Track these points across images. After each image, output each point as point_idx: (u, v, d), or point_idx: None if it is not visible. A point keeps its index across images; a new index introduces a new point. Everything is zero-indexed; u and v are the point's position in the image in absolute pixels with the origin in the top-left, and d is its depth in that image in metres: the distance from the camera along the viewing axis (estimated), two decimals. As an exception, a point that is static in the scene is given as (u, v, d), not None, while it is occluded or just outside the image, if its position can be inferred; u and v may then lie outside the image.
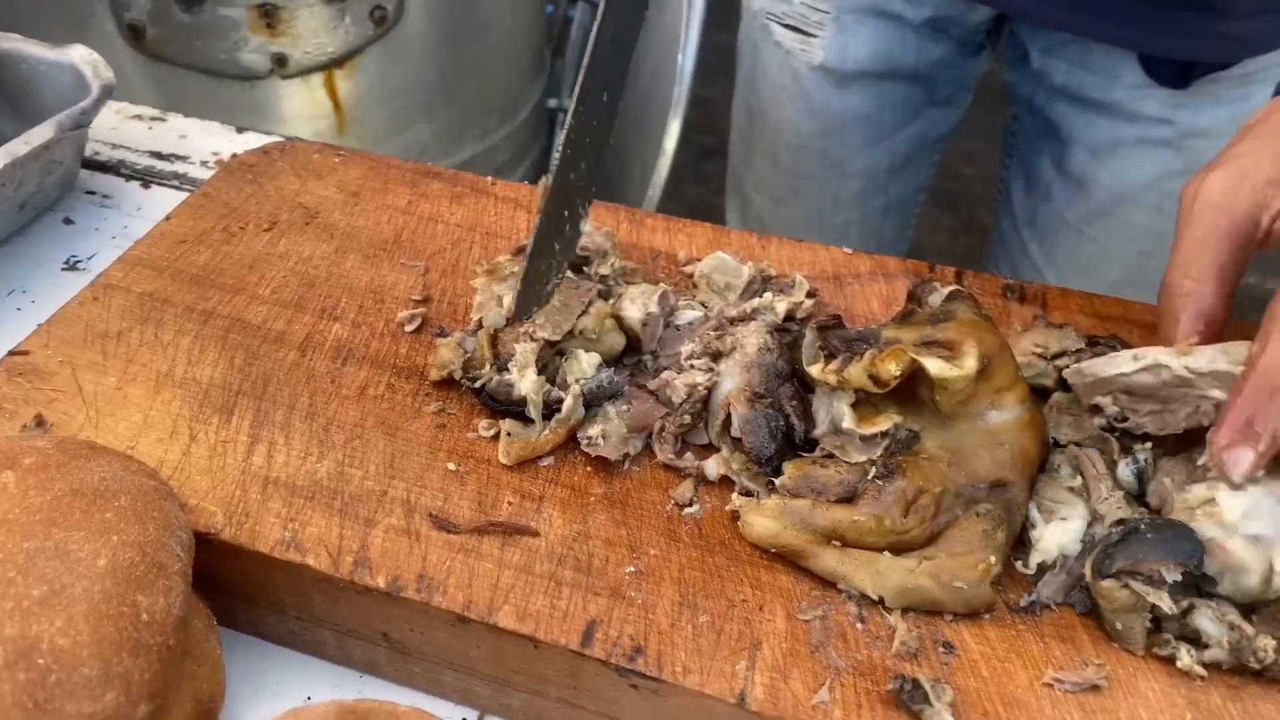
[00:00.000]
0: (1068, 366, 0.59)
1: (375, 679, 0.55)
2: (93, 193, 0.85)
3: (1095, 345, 0.61)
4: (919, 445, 0.54)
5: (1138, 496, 0.55)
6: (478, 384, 0.58)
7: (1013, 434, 0.54)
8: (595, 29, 0.55)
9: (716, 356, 0.59)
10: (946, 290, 0.59)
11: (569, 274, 0.63)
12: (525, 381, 0.57)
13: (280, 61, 1.21)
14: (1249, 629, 0.48)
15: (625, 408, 0.58)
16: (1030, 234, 1.02)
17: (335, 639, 0.54)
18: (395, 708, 0.42)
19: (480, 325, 0.60)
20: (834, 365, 0.54)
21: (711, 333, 0.60)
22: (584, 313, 0.60)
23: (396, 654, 0.53)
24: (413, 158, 0.77)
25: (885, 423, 0.54)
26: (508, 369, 0.58)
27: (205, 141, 0.91)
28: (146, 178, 0.87)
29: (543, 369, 0.59)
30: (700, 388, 0.58)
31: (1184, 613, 0.49)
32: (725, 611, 0.50)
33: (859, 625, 0.50)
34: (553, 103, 1.90)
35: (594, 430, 0.56)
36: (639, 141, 1.60)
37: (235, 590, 0.54)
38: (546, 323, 0.59)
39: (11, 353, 0.61)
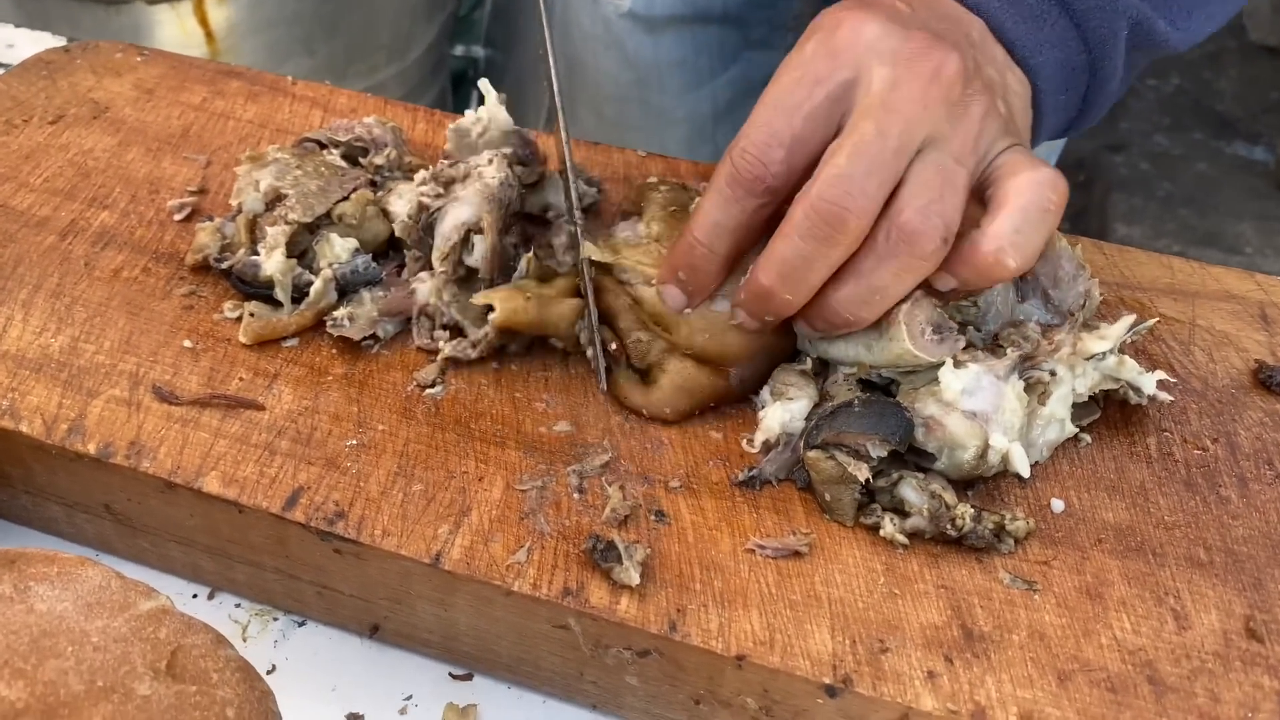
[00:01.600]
0: None
1: (109, 556, 0.54)
2: (-93, 97, 0.83)
3: None
4: (633, 290, 0.56)
5: (880, 384, 0.54)
6: (225, 265, 0.57)
7: (721, 327, 0.54)
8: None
9: (448, 183, 0.59)
10: None
11: (339, 161, 0.63)
12: (271, 262, 0.56)
13: (144, -15, 1.19)
14: (950, 498, 0.49)
15: (382, 294, 0.57)
16: None
17: (65, 513, 0.54)
18: (55, 554, 0.42)
19: (240, 211, 0.59)
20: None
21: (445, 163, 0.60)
22: (345, 199, 0.59)
23: (123, 527, 0.53)
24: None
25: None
26: (258, 251, 0.57)
27: (32, 49, 0.89)
28: (-36, 83, 0.85)
29: (302, 254, 0.58)
30: (428, 210, 0.58)
31: (893, 485, 0.49)
32: (442, 482, 0.50)
33: (576, 495, 0.50)
34: (460, 50, 1.88)
35: (340, 312, 0.56)
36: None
37: (-39, 464, 0.53)
38: (298, 205, 0.58)
39: None
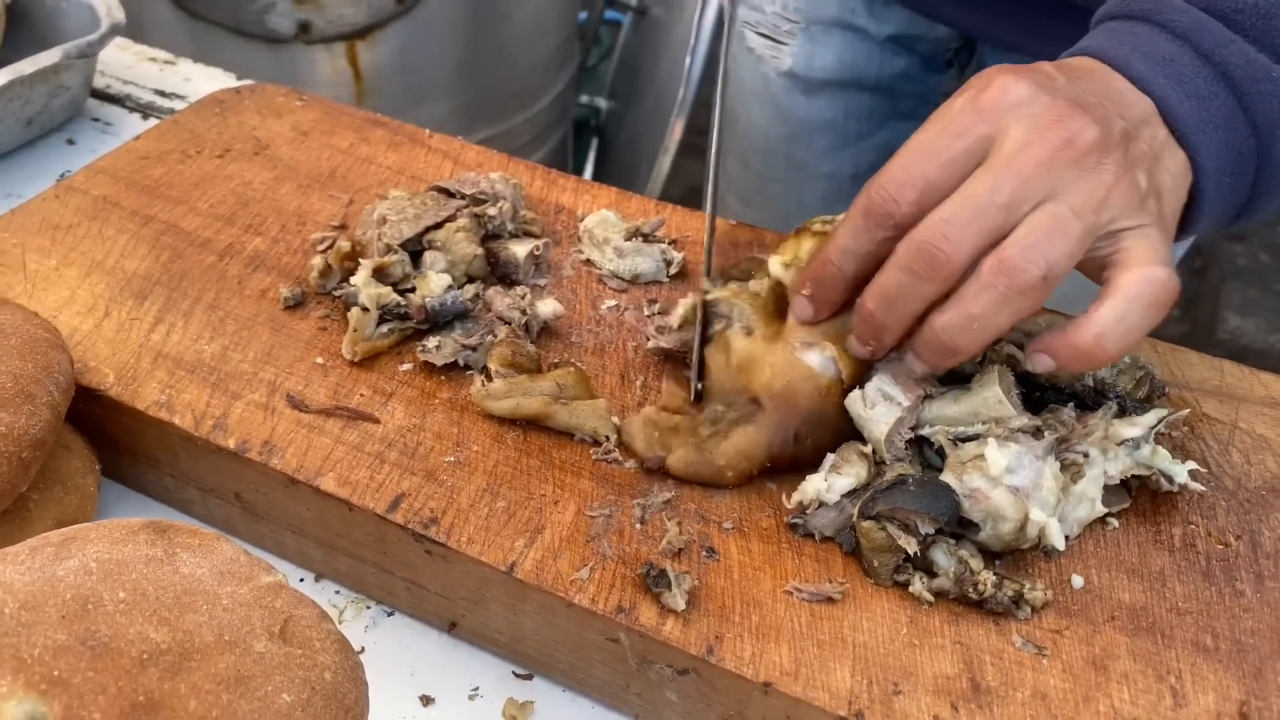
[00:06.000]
0: None
1: (233, 537, 0.63)
2: (98, 120, 0.95)
3: None
4: (728, 335, 0.61)
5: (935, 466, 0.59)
6: (330, 290, 0.67)
7: (801, 378, 0.59)
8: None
9: None
10: None
11: (434, 194, 0.71)
12: (362, 290, 0.64)
13: (305, 27, 1.31)
14: (975, 564, 0.53)
15: (470, 325, 0.65)
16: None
17: (200, 497, 0.62)
18: (196, 529, 0.49)
19: (333, 245, 0.69)
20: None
21: None
22: (438, 226, 0.68)
23: (248, 514, 0.61)
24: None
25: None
26: (347, 283, 0.66)
27: (206, 85, 1.01)
28: (147, 110, 0.97)
29: (402, 280, 0.67)
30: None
31: (925, 547, 0.54)
32: (523, 501, 0.57)
33: (638, 525, 0.56)
34: (584, 99, 1.99)
35: (431, 341, 0.63)
36: (650, 137, 1.68)
37: (121, 446, 0.62)
38: (391, 229, 0.67)
39: (-25, 232, 0.70)
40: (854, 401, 0.59)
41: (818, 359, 0.59)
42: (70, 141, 0.92)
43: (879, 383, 0.58)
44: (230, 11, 1.29)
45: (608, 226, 0.72)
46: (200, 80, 1.02)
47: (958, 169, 0.52)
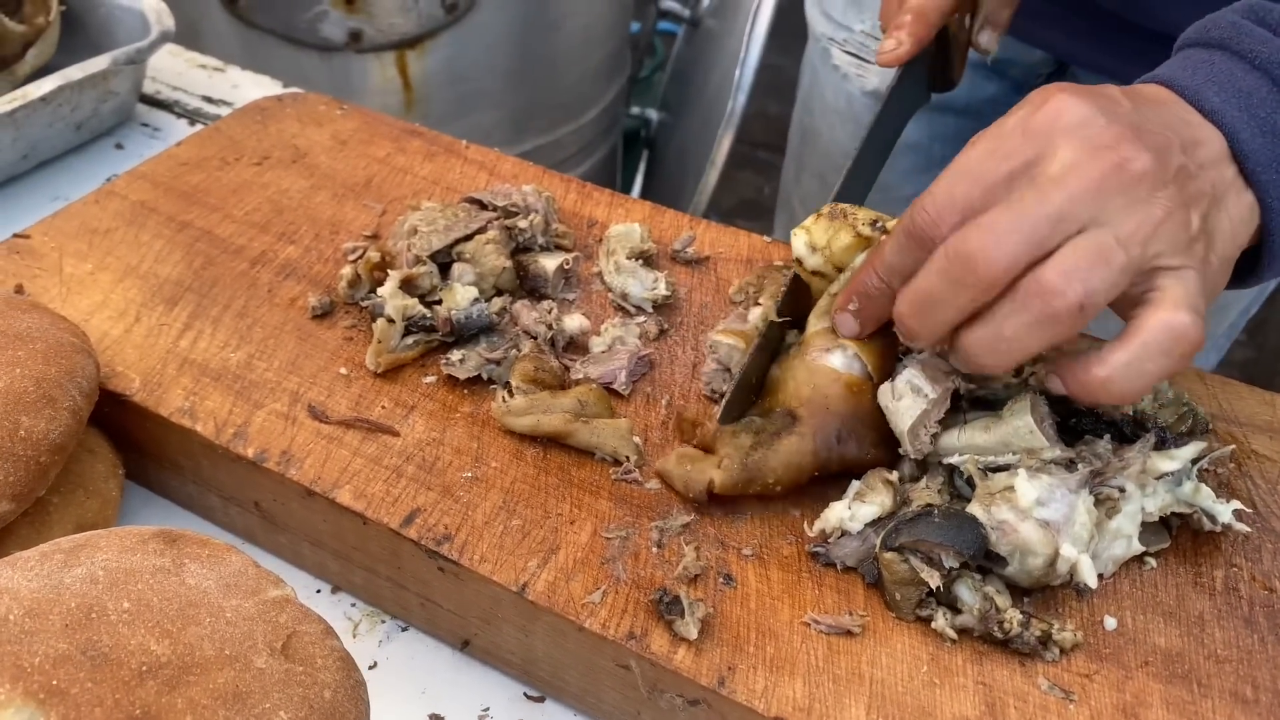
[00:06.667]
0: None
1: (253, 546, 0.63)
2: (146, 125, 0.96)
3: None
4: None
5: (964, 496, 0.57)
6: (358, 300, 0.67)
7: (827, 381, 0.58)
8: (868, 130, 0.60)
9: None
10: None
11: (466, 205, 0.71)
12: (389, 301, 0.64)
13: (356, 36, 1.32)
14: (1002, 601, 0.51)
15: (495, 339, 0.64)
16: None
17: (221, 504, 0.62)
18: (207, 539, 0.49)
19: (363, 255, 0.69)
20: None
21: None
22: (468, 238, 0.67)
23: (267, 523, 0.61)
24: (477, 142, 0.86)
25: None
26: (375, 293, 0.66)
27: (253, 91, 1.01)
28: (194, 116, 0.98)
29: (430, 292, 0.66)
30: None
31: (950, 582, 0.52)
32: (539, 520, 0.56)
33: (655, 549, 0.55)
34: (635, 109, 1.98)
35: (455, 354, 0.63)
36: (699, 149, 1.67)
37: (146, 451, 0.63)
38: (420, 240, 0.66)
39: (15, 234, 0.71)
40: (883, 393, 0.57)
41: (840, 359, 0.58)
42: (119, 146, 0.94)
43: (909, 375, 0.57)
44: (283, 19, 1.31)
45: (625, 239, 0.71)
46: (248, 87, 1.03)
47: (1002, 192, 0.50)
